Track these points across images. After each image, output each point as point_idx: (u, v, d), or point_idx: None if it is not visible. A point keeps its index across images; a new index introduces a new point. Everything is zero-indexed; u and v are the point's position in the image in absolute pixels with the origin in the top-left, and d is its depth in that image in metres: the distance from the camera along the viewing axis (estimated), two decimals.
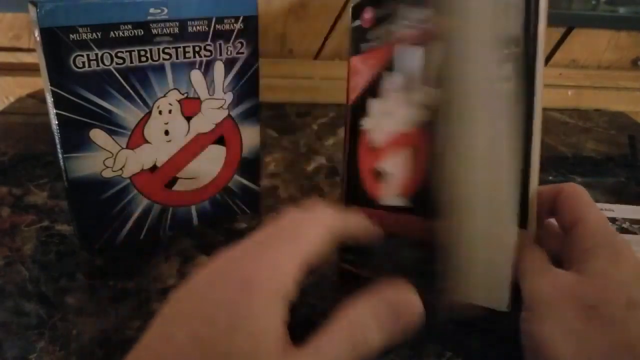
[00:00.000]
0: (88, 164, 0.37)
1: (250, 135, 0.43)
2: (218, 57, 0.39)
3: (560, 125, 0.73)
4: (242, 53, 0.39)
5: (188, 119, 0.39)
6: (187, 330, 0.22)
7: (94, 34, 0.33)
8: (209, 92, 0.39)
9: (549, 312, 0.25)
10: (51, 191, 0.49)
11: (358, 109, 0.34)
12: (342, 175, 0.37)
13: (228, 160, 0.43)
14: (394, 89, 0.31)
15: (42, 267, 0.39)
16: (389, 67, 0.31)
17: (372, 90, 0.33)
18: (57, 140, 0.36)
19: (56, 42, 0.32)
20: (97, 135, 0.36)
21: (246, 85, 0.41)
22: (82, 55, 0.33)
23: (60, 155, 0.36)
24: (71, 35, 0.32)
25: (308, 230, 0.25)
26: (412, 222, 0.29)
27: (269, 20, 0.73)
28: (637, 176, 0.58)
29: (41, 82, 0.35)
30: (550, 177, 0.57)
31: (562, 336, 0.25)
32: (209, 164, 0.42)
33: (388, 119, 0.31)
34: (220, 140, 0.42)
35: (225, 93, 0.40)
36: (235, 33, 0.38)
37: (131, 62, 0.35)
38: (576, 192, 0.31)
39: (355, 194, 0.34)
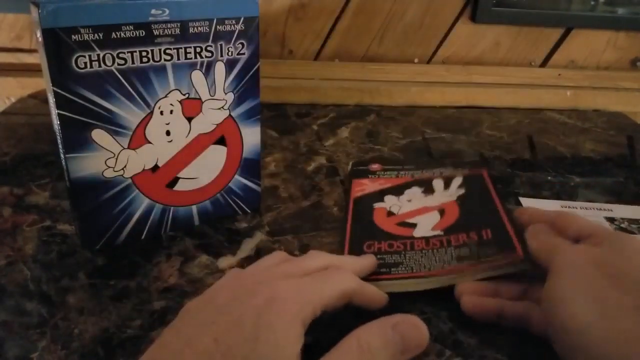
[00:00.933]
0: (90, 164, 0.37)
1: (251, 135, 0.44)
2: (219, 57, 0.39)
3: (559, 125, 0.74)
4: (243, 54, 0.40)
5: (189, 119, 0.40)
6: (210, 334, 0.23)
7: (96, 34, 0.33)
8: (210, 93, 0.40)
9: (575, 276, 0.27)
10: (52, 191, 0.49)
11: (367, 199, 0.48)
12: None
13: (229, 161, 0.43)
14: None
15: (43, 266, 0.39)
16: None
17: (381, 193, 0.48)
18: (59, 140, 0.36)
19: (58, 43, 0.33)
20: (99, 135, 0.36)
21: (247, 85, 0.41)
22: (84, 56, 0.34)
23: (62, 155, 0.36)
24: (73, 36, 0.33)
25: (332, 285, 0.28)
26: None
27: (269, 21, 0.73)
28: (636, 176, 0.58)
29: (43, 82, 0.35)
30: (549, 177, 0.57)
31: (586, 299, 0.26)
32: (210, 164, 0.43)
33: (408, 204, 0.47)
34: (221, 141, 0.42)
35: (226, 93, 0.41)
36: (236, 34, 0.39)
37: (133, 62, 0.35)
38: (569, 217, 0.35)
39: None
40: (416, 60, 0.79)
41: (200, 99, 0.40)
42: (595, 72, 0.81)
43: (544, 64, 0.81)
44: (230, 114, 0.42)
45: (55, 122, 0.35)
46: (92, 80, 0.34)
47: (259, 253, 0.42)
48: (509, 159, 0.61)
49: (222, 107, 0.41)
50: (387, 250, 0.39)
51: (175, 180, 0.42)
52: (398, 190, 0.48)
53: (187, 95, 0.39)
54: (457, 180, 0.49)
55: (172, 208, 0.43)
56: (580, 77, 0.80)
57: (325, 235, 0.44)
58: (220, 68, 0.39)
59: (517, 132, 0.70)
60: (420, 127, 0.70)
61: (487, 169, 0.50)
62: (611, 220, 0.48)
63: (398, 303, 0.34)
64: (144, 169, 0.39)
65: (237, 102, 0.41)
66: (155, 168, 0.40)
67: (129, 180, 0.39)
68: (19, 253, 0.40)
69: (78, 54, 0.33)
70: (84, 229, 0.40)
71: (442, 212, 0.44)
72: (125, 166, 0.38)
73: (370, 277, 0.36)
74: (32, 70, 0.71)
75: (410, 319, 0.27)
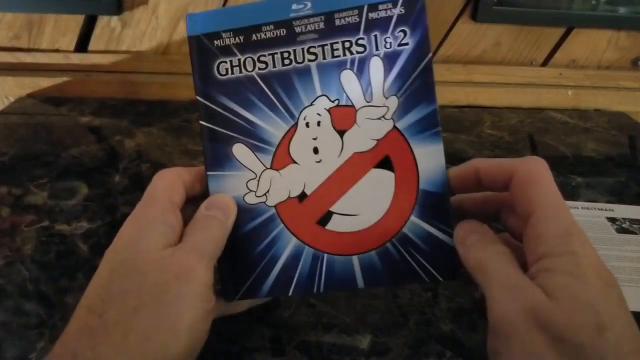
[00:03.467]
0: (231, 185, 0.32)
1: (428, 157, 0.31)
2: (374, 52, 0.31)
3: (560, 125, 0.73)
4: (406, 44, 0.31)
5: (341, 133, 0.32)
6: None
7: (237, 38, 0.31)
8: (365, 98, 0.31)
9: (517, 339, 0.23)
10: (51, 191, 0.49)
11: None
12: None
13: (399, 193, 0.31)
14: None
15: (42, 267, 0.39)
16: None
17: None
18: (204, 155, 0.33)
19: (202, 50, 0.31)
20: (240, 151, 0.32)
21: (416, 85, 0.31)
22: (225, 62, 0.31)
23: (205, 173, 0.32)
24: (215, 42, 0.31)
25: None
26: None
27: None
28: (637, 176, 0.58)
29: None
30: None
31: None
32: (373, 196, 0.32)
33: None
34: (385, 163, 0.31)
35: (387, 98, 0.31)
36: (394, 20, 0.31)
37: (274, 66, 0.31)
38: (530, 175, 0.27)
39: None
40: None
41: (353, 106, 0.31)
42: (597, 72, 0.80)
43: (545, 63, 0.80)
44: (395, 126, 0.31)
45: (202, 135, 0.33)
46: (233, 88, 0.32)
47: None
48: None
49: (384, 117, 0.31)
50: None
51: (329, 215, 0.32)
52: None
53: (336, 102, 0.31)
54: None
55: (325, 255, 0.32)
56: (582, 76, 0.80)
57: None
58: (376, 64, 0.31)
59: (518, 132, 0.70)
60: None
61: None
62: (612, 220, 0.48)
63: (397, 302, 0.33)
64: (289, 197, 0.32)
65: (404, 109, 0.31)
66: (303, 196, 0.32)
67: (273, 210, 0.32)
68: (18, 253, 0.40)
69: (220, 60, 0.31)
70: (223, 270, 0.32)
71: None
72: (268, 191, 0.32)
73: None
74: (30, 70, 0.71)
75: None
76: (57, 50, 0.72)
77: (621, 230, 0.47)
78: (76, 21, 0.71)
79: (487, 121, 0.73)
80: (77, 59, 0.72)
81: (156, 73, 0.74)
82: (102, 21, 0.71)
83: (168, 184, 0.30)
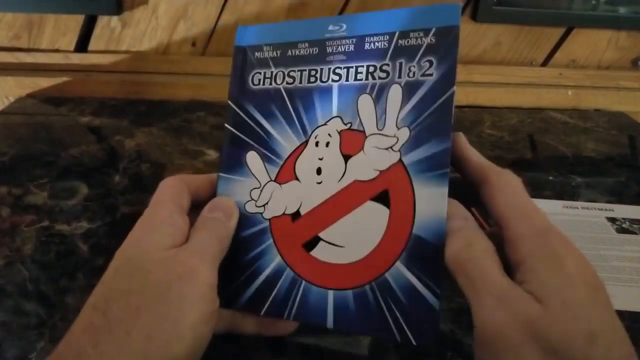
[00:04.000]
0: (237, 190, 0.32)
1: (429, 200, 0.28)
2: (396, 79, 0.30)
3: (560, 125, 0.73)
4: (430, 75, 0.29)
5: (346, 157, 0.31)
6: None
7: (275, 52, 0.33)
8: (377, 125, 0.30)
9: (510, 353, 0.23)
10: (51, 191, 0.49)
11: None
12: None
13: (390, 232, 0.29)
14: None
15: (42, 267, 0.39)
16: None
17: None
18: (220, 157, 0.34)
19: (243, 60, 0.33)
20: (252, 158, 0.32)
21: (431, 119, 0.29)
22: (260, 73, 0.33)
23: (213, 177, 0.33)
24: (256, 53, 0.33)
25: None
26: None
27: (268, 20, 0.73)
28: (637, 176, 0.58)
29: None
30: (551, 177, 0.57)
31: None
32: (363, 231, 0.30)
33: None
34: (383, 198, 0.29)
35: (399, 128, 0.29)
36: (423, 49, 0.30)
37: (300, 82, 0.32)
38: (504, 185, 0.27)
39: None
40: None
41: (363, 131, 0.30)
42: (597, 72, 0.80)
43: (545, 63, 0.80)
44: (400, 159, 0.29)
45: (224, 137, 0.34)
46: (260, 98, 0.33)
47: None
48: (510, 158, 0.61)
49: (392, 148, 0.29)
50: None
51: (316, 240, 0.31)
52: None
53: (349, 126, 0.31)
54: None
55: (303, 283, 0.30)
56: (582, 76, 0.80)
57: None
58: (396, 92, 0.30)
59: (518, 132, 0.70)
60: None
61: None
62: (612, 220, 0.48)
63: None
64: (284, 213, 0.32)
65: (414, 143, 0.29)
66: (297, 216, 0.31)
67: (267, 223, 0.32)
68: (18, 253, 0.40)
69: (256, 71, 0.33)
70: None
71: None
72: (267, 203, 0.32)
73: None
74: (30, 70, 0.71)
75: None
76: (57, 50, 0.72)
77: (621, 230, 0.47)
78: (76, 21, 0.71)
79: (487, 121, 0.73)
80: (77, 59, 0.72)
81: (156, 73, 0.74)
82: (102, 21, 0.71)
83: (174, 189, 0.30)
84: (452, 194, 0.27)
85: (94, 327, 0.24)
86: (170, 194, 0.30)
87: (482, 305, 0.24)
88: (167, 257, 0.26)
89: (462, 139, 0.29)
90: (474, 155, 0.29)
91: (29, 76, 0.71)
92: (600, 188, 0.55)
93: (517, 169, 0.61)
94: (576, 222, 0.48)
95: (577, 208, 0.50)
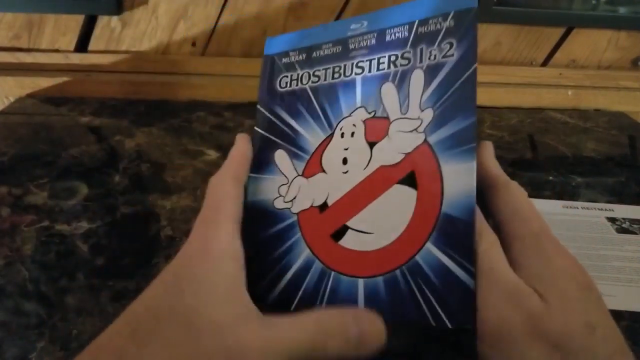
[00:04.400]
0: (266, 188, 0.32)
1: (457, 176, 0.27)
2: (417, 64, 0.30)
3: (560, 125, 0.73)
4: (451, 55, 0.30)
5: (371, 145, 0.31)
6: (164, 275, 0.24)
7: (300, 55, 0.34)
8: (401, 110, 0.30)
9: (517, 349, 0.23)
10: (51, 191, 0.49)
11: None
12: None
13: (418, 214, 0.28)
14: None
15: (42, 267, 0.39)
16: None
17: None
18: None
19: (271, 66, 0.35)
20: (281, 156, 0.33)
21: (455, 97, 0.29)
22: (287, 76, 0.34)
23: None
24: (283, 59, 0.34)
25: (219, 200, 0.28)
26: None
27: (268, 20, 0.73)
28: (637, 176, 0.58)
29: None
30: (551, 177, 0.56)
31: None
32: (391, 216, 0.29)
33: None
34: (409, 180, 0.29)
35: (422, 110, 0.29)
36: (442, 33, 0.30)
37: (325, 79, 0.33)
38: (508, 192, 0.28)
39: None
40: None
41: (387, 117, 0.30)
42: (597, 72, 0.80)
43: (545, 63, 0.80)
44: (426, 139, 0.29)
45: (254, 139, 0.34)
46: (287, 99, 0.34)
47: None
48: (510, 158, 0.61)
49: (416, 130, 0.29)
50: None
51: (344, 230, 0.30)
52: None
53: (373, 114, 0.31)
54: None
55: (332, 273, 0.30)
56: (582, 76, 0.80)
57: None
58: (417, 77, 0.30)
59: (518, 132, 0.70)
60: None
61: None
62: (612, 220, 0.48)
63: None
64: (312, 205, 0.31)
65: (438, 122, 0.29)
66: (324, 207, 0.31)
67: (295, 218, 0.31)
68: (18, 253, 0.40)
69: (283, 75, 0.34)
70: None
71: None
72: (295, 197, 0.32)
73: None
74: (30, 69, 0.71)
75: (371, 315, 0.26)
76: (57, 50, 0.72)
77: (621, 230, 0.47)
78: (76, 21, 0.71)
79: (487, 121, 0.73)
80: (77, 59, 0.72)
81: (156, 73, 0.74)
82: (102, 21, 0.71)
83: (233, 202, 0.28)
84: None
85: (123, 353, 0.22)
86: (231, 208, 0.27)
87: (490, 299, 0.24)
88: (223, 323, 0.23)
89: (489, 148, 0.31)
90: (494, 167, 0.30)
91: (29, 76, 0.71)
92: (600, 188, 0.55)
93: (517, 169, 0.61)
94: (576, 222, 0.48)
95: (577, 208, 0.50)
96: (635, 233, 0.46)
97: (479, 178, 0.28)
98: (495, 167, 0.30)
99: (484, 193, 0.29)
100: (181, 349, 0.22)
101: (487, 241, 0.26)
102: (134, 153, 0.58)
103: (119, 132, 0.63)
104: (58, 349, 0.32)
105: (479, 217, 0.27)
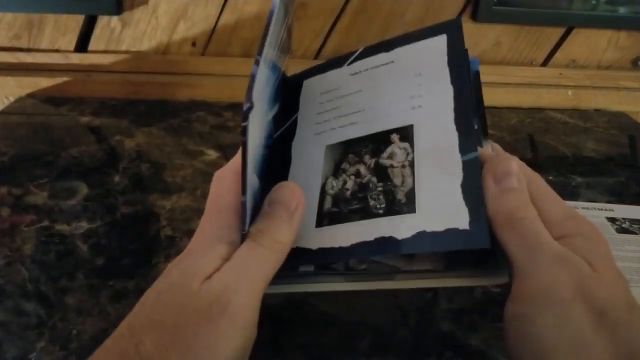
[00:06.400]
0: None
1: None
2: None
3: (560, 125, 0.73)
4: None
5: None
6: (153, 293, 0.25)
7: None
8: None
9: (561, 309, 0.23)
10: (51, 191, 0.49)
11: None
12: None
13: None
14: None
15: (42, 267, 0.39)
16: None
17: None
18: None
19: None
20: None
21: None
22: None
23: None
24: None
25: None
26: None
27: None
28: (638, 176, 0.58)
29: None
30: (551, 177, 0.56)
31: (570, 347, 0.23)
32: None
33: None
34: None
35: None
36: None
37: None
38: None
39: None
40: None
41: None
42: (597, 72, 0.80)
43: (545, 63, 0.80)
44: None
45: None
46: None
47: None
48: None
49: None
50: None
51: None
52: None
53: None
54: None
55: None
56: (582, 76, 0.80)
57: None
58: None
59: (518, 132, 0.70)
60: None
61: None
62: (612, 220, 0.48)
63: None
64: None
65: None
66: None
67: None
68: (17, 253, 0.40)
69: None
70: None
71: None
72: None
73: None
74: (30, 70, 0.71)
75: (278, 187, 0.27)
76: (57, 50, 0.72)
77: (621, 230, 0.47)
78: (76, 21, 0.71)
79: (487, 121, 0.73)
80: (77, 59, 0.72)
81: (156, 73, 0.74)
82: (102, 21, 0.71)
83: (232, 191, 0.27)
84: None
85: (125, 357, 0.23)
86: (233, 201, 0.27)
87: (537, 260, 0.25)
88: (205, 289, 0.24)
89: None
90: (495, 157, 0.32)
91: (29, 76, 0.71)
92: (600, 188, 0.55)
93: None
94: None
95: (577, 208, 0.50)
96: (635, 233, 0.46)
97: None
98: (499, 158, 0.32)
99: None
100: None
101: (533, 211, 0.27)
102: (133, 153, 0.58)
103: (119, 132, 0.63)
104: (58, 349, 0.32)
105: (525, 187, 0.29)
